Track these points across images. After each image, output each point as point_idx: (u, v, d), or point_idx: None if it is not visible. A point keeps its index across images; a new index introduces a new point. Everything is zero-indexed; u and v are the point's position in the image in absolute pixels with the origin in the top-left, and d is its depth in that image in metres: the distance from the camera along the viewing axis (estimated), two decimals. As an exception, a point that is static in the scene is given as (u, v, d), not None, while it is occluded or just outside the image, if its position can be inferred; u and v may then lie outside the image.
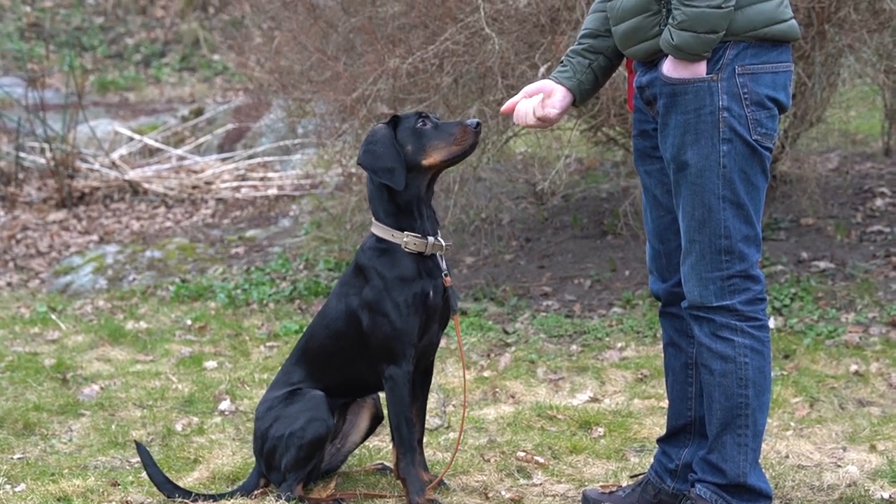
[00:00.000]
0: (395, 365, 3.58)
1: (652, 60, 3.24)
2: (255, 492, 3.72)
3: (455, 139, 3.54)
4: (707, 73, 3.13)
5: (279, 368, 3.93)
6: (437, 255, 3.63)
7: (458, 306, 3.88)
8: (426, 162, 3.56)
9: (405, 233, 3.58)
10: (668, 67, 3.16)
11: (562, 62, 3.43)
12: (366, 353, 3.64)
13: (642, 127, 3.39)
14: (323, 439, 3.64)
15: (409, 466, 3.60)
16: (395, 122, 3.62)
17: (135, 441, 3.83)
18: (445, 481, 3.79)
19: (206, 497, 3.70)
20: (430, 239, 3.60)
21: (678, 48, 3.09)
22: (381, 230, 3.62)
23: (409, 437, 3.62)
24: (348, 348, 3.67)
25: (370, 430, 3.92)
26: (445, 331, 5.64)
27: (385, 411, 3.82)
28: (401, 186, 3.54)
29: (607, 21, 3.36)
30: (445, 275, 3.63)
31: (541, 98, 3.36)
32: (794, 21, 3.18)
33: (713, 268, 3.19)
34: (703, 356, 3.26)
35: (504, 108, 3.43)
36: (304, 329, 3.89)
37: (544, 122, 3.37)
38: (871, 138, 7.95)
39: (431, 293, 3.61)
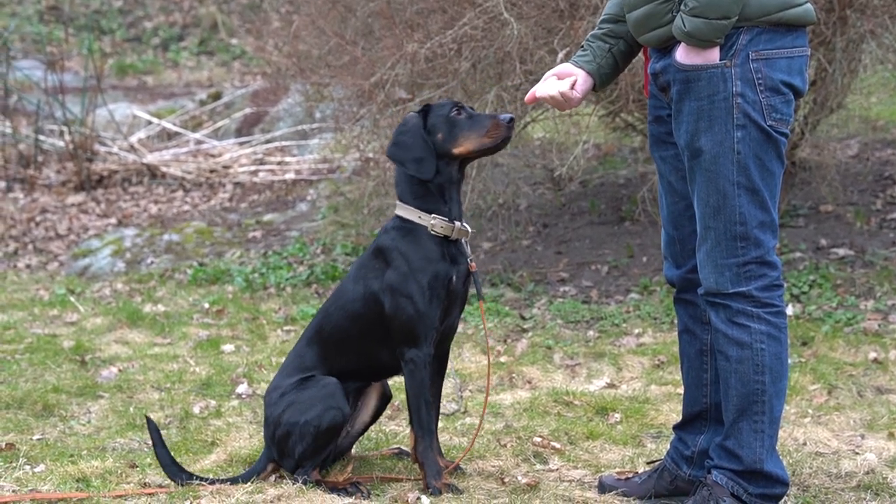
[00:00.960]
0: (416, 348, 3.58)
1: (666, 47, 3.23)
2: (263, 474, 3.73)
3: (487, 131, 3.56)
4: (720, 60, 3.11)
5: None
6: (462, 240, 3.64)
7: (482, 293, 3.88)
8: (457, 150, 3.58)
9: (432, 215, 3.59)
10: (681, 54, 3.15)
11: (582, 47, 3.44)
12: (384, 336, 3.64)
13: (657, 113, 3.38)
14: (339, 427, 3.64)
15: (427, 450, 3.61)
16: (426, 110, 3.64)
17: (146, 417, 3.83)
18: (462, 466, 3.80)
19: (220, 481, 3.71)
20: (457, 223, 3.62)
21: (690, 35, 3.08)
22: (407, 211, 3.63)
23: (428, 421, 3.62)
24: (366, 331, 3.67)
25: (379, 410, 3.91)
26: (464, 317, 5.66)
27: (397, 393, 3.82)
28: (428, 176, 3.57)
29: None
30: (470, 260, 3.64)
31: (570, 82, 3.36)
32: (808, 5, 3.16)
33: (729, 254, 3.18)
34: (719, 342, 3.25)
35: (528, 97, 3.44)
36: (317, 313, 3.89)
37: (564, 101, 3.37)
38: (891, 125, 7.90)
39: (454, 277, 3.61)
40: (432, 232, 3.59)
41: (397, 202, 3.68)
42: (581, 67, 3.38)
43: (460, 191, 3.68)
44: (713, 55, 3.11)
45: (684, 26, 3.08)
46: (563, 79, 3.39)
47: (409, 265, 3.58)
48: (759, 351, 3.20)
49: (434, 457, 3.62)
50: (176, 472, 3.72)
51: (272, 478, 3.73)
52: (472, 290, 3.73)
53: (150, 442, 4.29)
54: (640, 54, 3.49)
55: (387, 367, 3.76)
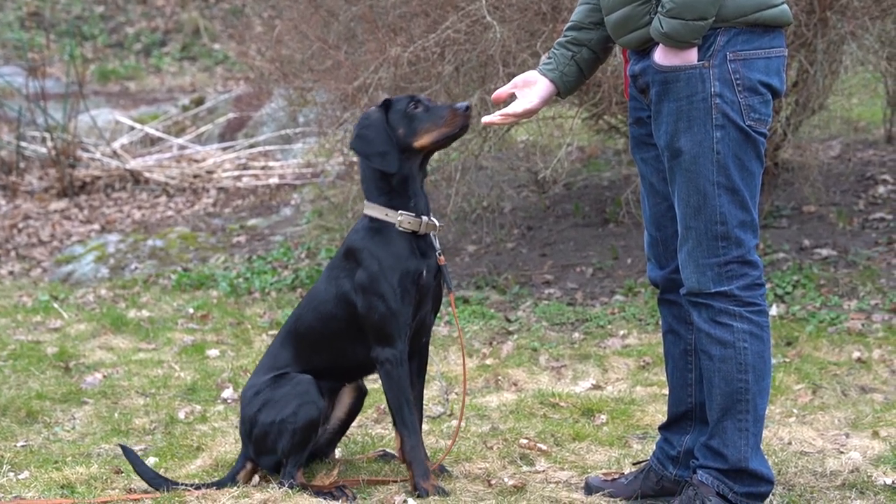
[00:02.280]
0: (391, 347, 3.59)
1: (645, 49, 3.24)
2: (242, 473, 3.73)
3: (445, 121, 3.59)
4: (698, 60, 3.12)
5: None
6: (431, 234, 3.65)
7: (454, 287, 3.89)
8: (417, 144, 3.61)
9: (399, 212, 3.61)
10: (660, 55, 3.16)
11: (548, 54, 3.47)
12: (357, 336, 3.66)
13: (637, 115, 3.40)
14: (316, 422, 3.64)
15: (415, 449, 3.61)
16: (387, 105, 3.66)
17: (121, 445, 3.82)
18: (448, 468, 3.80)
19: (204, 485, 3.70)
20: (424, 218, 3.64)
21: (668, 36, 3.09)
22: (374, 210, 3.65)
23: (411, 419, 3.63)
24: (339, 330, 3.69)
25: (355, 407, 3.89)
26: (444, 317, 5.65)
27: (381, 396, 3.81)
28: (393, 169, 3.60)
29: (592, 13, 3.39)
30: (439, 254, 3.66)
31: (508, 94, 3.43)
32: (785, 6, 3.18)
33: (710, 254, 3.19)
34: (702, 342, 3.26)
35: (495, 96, 3.47)
36: (290, 313, 3.89)
37: (527, 114, 3.43)
38: (873, 126, 7.94)
39: (424, 272, 3.63)
40: (400, 228, 3.60)
41: (365, 201, 3.70)
42: (544, 75, 3.42)
43: (424, 185, 3.71)
44: (691, 56, 3.13)
45: (661, 27, 3.10)
46: (526, 87, 3.42)
47: (379, 264, 3.59)
48: (742, 350, 3.21)
49: (422, 456, 3.62)
50: (161, 482, 3.72)
51: (255, 480, 3.72)
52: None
53: (134, 448, 4.28)
54: (620, 56, 3.52)
55: (360, 367, 3.77)
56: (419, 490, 3.55)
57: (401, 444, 3.63)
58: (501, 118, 3.43)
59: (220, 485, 3.71)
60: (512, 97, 3.48)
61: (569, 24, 3.46)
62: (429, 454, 3.84)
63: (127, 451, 3.78)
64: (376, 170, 3.63)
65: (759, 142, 3.18)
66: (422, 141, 3.60)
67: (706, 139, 3.14)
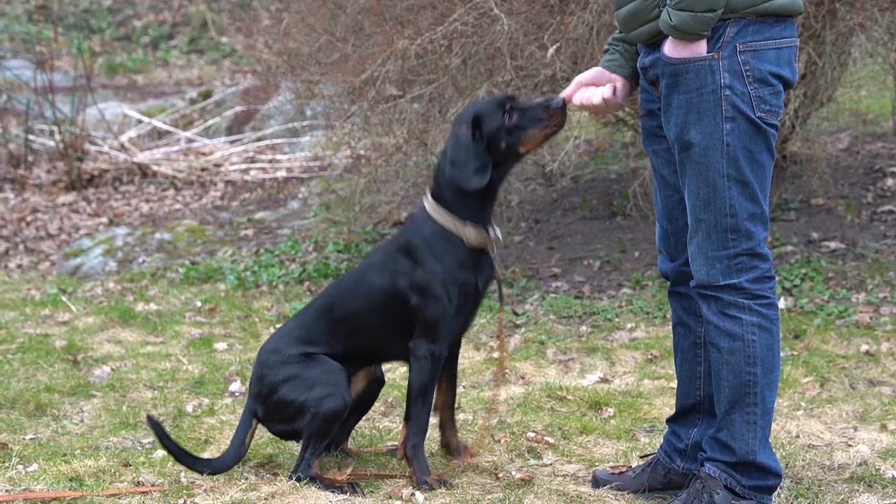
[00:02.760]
0: (434, 344, 3.60)
1: (655, 42, 3.23)
2: (249, 431, 3.76)
3: (547, 123, 3.52)
4: (708, 52, 3.11)
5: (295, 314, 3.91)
6: (492, 248, 3.66)
7: (504, 299, 3.92)
8: (523, 149, 3.57)
9: (467, 223, 3.57)
10: (669, 48, 3.15)
11: (607, 50, 3.43)
12: (400, 329, 3.64)
13: (648, 107, 3.39)
14: (341, 413, 3.63)
15: (417, 447, 3.62)
16: (476, 122, 3.54)
17: (147, 415, 3.83)
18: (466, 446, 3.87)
19: (221, 461, 3.74)
20: (492, 233, 3.62)
21: (676, 28, 3.08)
22: (442, 216, 3.59)
23: (424, 419, 3.64)
24: (382, 322, 3.67)
25: (368, 394, 3.89)
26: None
27: (389, 390, 3.84)
28: (483, 185, 3.51)
29: None
30: (496, 266, 3.67)
31: (611, 88, 3.38)
32: None
33: (720, 246, 3.19)
34: (711, 334, 3.26)
35: (566, 98, 3.43)
36: (326, 289, 3.88)
37: (606, 107, 3.40)
38: (881, 118, 7.92)
39: (480, 285, 3.64)
40: (467, 245, 3.59)
41: (430, 197, 3.62)
42: (614, 72, 3.39)
43: (497, 195, 3.67)
44: (700, 48, 3.12)
45: (670, 20, 3.09)
46: (601, 85, 3.39)
47: (443, 268, 3.57)
48: (751, 342, 3.21)
49: (422, 454, 3.63)
50: (191, 461, 3.74)
51: (266, 475, 3.73)
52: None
53: (144, 440, 4.30)
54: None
55: (392, 356, 3.78)
56: (423, 484, 3.56)
57: (403, 440, 3.64)
58: (589, 104, 3.38)
59: (233, 451, 3.74)
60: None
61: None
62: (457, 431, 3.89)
63: (153, 424, 3.77)
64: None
65: (769, 134, 3.17)
66: (526, 147, 3.56)
67: (716, 131, 3.13)
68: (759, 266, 3.20)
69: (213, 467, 3.75)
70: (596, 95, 3.39)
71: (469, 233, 3.58)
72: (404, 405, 4.50)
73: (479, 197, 3.58)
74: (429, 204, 3.63)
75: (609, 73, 3.40)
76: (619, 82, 3.41)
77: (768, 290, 3.22)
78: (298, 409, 3.63)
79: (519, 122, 3.52)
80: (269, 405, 3.70)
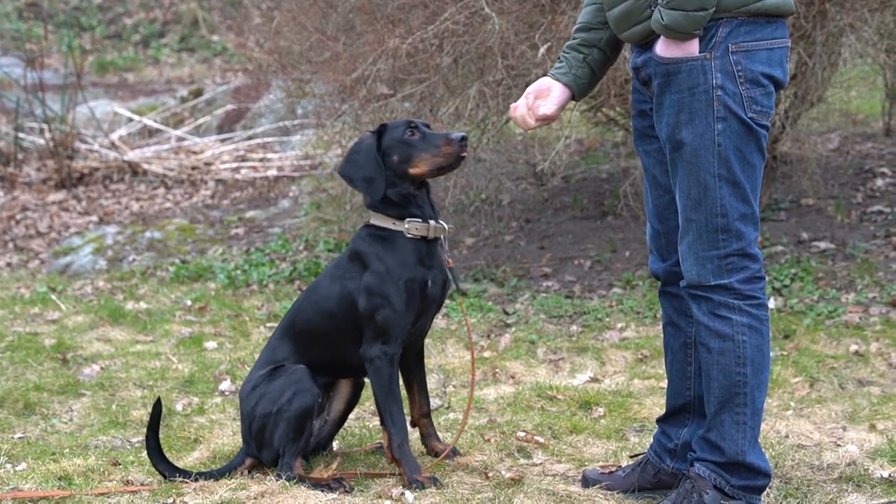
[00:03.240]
0: (385, 345, 3.62)
1: (647, 42, 3.23)
2: (240, 468, 3.74)
3: (440, 151, 3.60)
4: (700, 52, 3.12)
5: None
6: (440, 237, 3.67)
7: (461, 287, 3.91)
8: (413, 171, 3.63)
9: (406, 220, 3.62)
10: (661, 47, 3.15)
11: (559, 58, 3.46)
12: (356, 337, 3.68)
13: (640, 107, 3.39)
14: (310, 409, 3.65)
15: (402, 446, 3.62)
16: (381, 131, 3.67)
17: (157, 399, 3.81)
18: (457, 450, 3.86)
19: (200, 475, 3.71)
20: (432, 222, 3.65)
21: (668, 28, 3.08)
22: (380, 219, 3.67)
23: (399, 417, 3.64)
24: (338, 328, 3.71)
25: (353, 398, 3.92)
26: (447, 312, 5.66)
27: (364, 383, 3.86)
28: (377, 197, 3.63)
29: (600, 12, 3.38)
30: (447, 257, 3.68)
31: (532, 101, 3.41)
32: None
33: (710, 246, 3.19)
34: (701, 335, 3.26)
35: (512, 110, 3.47)
36: (289, 308, 3.92)
37: (545, 121, 3.43)
38: (871, 118, 7.94)
39: (430, 282, 3.65)
40: (409, 235, 3.61)
41: (370, 211, 3.71)
42: (558, 80, 3.42)
43: (430, 195, 3.72)
44: (692, 48, 3.12)
45: (662, 19, 3.09)
46: (541, 95, 3.41)
47: (386, 268, 3.62)
48: (741, 343, 3.21)
49: (409, 452, 3.63)
50: (159, 460, 3.72)
51: (250, 473, 3.72)
52: (454, 288, 3.75)
53: (133, 439, 4.29)
54: (625, 51, 3.50)
55: (357, 366, 3.78)
56: (414, 483, 3.56)
57: (388, 443, 3.64)
58: (524, 124, 3.42)
59: (217, 474, 3.72)
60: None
61: (577, 26, 3.45)
62: (440, 437, 3.90)
63: (155, 410, 3.75)
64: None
65: (760, 134, 3.18)
66: (417, 169, 3.62)
67: (707, 131, 3.14)
68: (750, 266, 3.21)
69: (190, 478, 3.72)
70: (527, 120, 3.41)
71: (408, 225, 3.62)
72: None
73: (402, 201, 3.64)
74: (371, 216, 3.71)
75: (550, 81, 3.43)
76: (558, 89, 3.41)
77: (758, 291, 3.23)
78: (273, 422, 3.64)
79: (416, 142, 3.62)
80: (255, 436, 3.72)
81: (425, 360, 3.93)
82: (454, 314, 5.85)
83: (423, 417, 3.85)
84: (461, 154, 3.60)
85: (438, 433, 3.98)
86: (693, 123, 3.14)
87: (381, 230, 3.66)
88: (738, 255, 3.19)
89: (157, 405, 3.77)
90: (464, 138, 3.60)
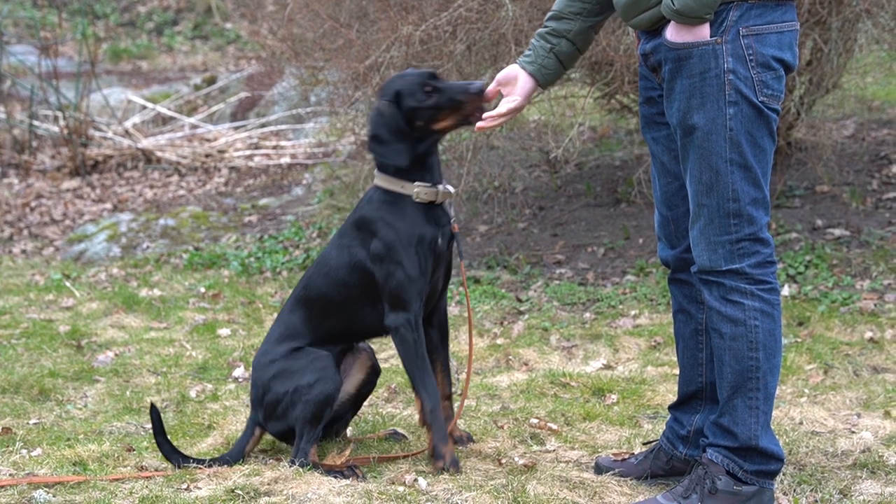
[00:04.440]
0: (405, 311, 3.62)
1: (656, 28, 3.22)
2: (251, 440, 3.77)
3: (463, 105, 3.58)
4: (711, 36, 3.10)
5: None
6: (446, 202, 3.67)
7: (467, 260, 3.92)
8: (437, 127, 3.62)
9: (415, 183, 3.62)
10: (672, 32, 3.13)
11: (529, 46, 3.45)
12: (370, 300, 3.68)
13: (648, 94, 3.38)
14: (332, 397, 3.66)
15: (434, 411, 3.62)
16: (398, 97, 3.62)
17: (151, 404, 3.84)
18: (472, 436, 3.87)
19: (214, 461, 3.72)
20: (440, 187, 3.66)
21: (679, 13, 3.07)
22: (388, 182, 3.66)
23: (430, 381, 3.64)
24: (351, 297, 3.72)
25: (367, 384, 3.91)
26: (455, 297, 5.64)
27: (392, 376, 3.83)
28: (405, 164, 3.61)
29: (573, 2, 3.37)
30: (453, 222, 3.69)
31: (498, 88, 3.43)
32: None
33: (722, 231, 3.18)
34: (713, 320, 3.25)
35: (486, 94, 3.48)
36: (299, 280, 3.92)
37: (513, 112, 3.42)
38: (887, 105, 7.89)
39: (440, 239, 3.66)
40: (417, 199, 3.62)
41: (376, 172, 3.71)
42: (524, 69, 3.42)
43: (437, 155, 3.71)
44: (704, 32, 3.10)
45: (673, 4, 3.07)
46: (508, 83, 3.42)
47: (395, 233, 3.62)
48: (753, 328, 3.20)
49: (442, 419, 3.63)
50: (175, 457, 3.74)
51: (269, 460, 3.73)
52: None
53: (147, 426, 4.30)
54: (633, 35, 3.48)
55: (370, 329, 3.79)
56: (437, 454, 3.58)
57: (420, 408, 3.65)
58: (491, 121, 3.43)
59: (230, 457, 3.74)
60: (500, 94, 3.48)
61: (549, 14, 3.44)
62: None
63: (154, 414, 3.77)
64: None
65: (771, 118, 3.16)
66: (440, 125, 3.61)
67: (719, 116, 3.12)
68: (761, 251, 3.20)
69: (207, 464, 3.73)
70: (495, 120, 3.41)
71: (417, 189, 3.62)
72: (407, 392, 4.52)
73: (417, 161, 3.63)
74: (377, 175, 3.70)
75: (516, 69, 3.42)
76: (522, 78, 3.41)
77: (770, 276, 3.22)
78: (290, 400, 3.65)
79: (437, 101, 3.59)
80: (266, 406, 3.72)
81: (448, 333, 3.90)
82: (462, 299, 5.84)
83: (444, 399, 3.82)
84: (482, 105, 3.56)
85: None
86: (705, 108, 3.13)
87: (388, 193, 3.65)
88: (750, 240, 3.18)
89: (154, 411, 3.78)
90: (482, 87, 3.54)
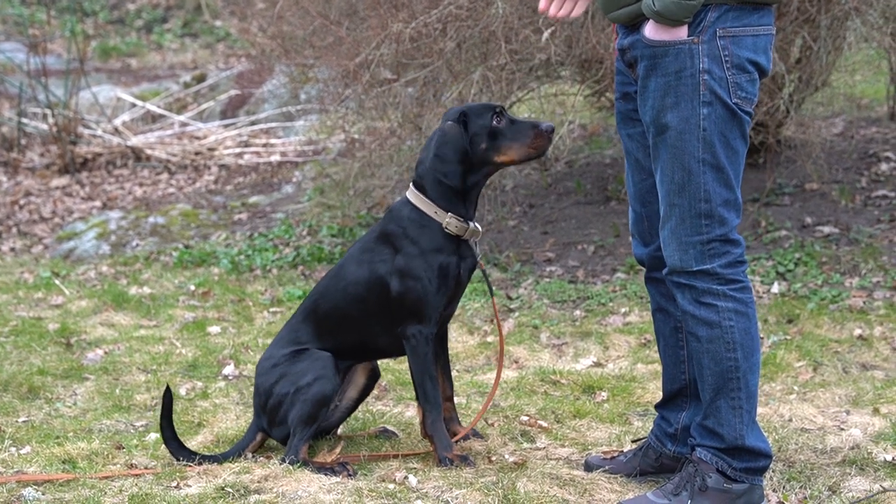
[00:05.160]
0: (421, 324, 3.63)
1: (634, 24, 3.22)
2: (252, 444, 3.77)
3: (530, 141, 3.58)
4: (688, 36, 3.10)
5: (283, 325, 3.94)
6: (472, 240, 3.67)
7: (492, 289, 3.94)
8: (500, 160, 3.61)
9: (448, 213, 3.61)
10: (650, 30, 3.14)
11: None
12: (384, 319, 3.68)
13: (624, 90, 3.38)
14: (329, 398, 3.67)
15: (435, 423, 3.65)
16: (465, 118, 3.61)
17: (167, 386, 3.81)
18: (479, 433, 3.88)
19: (211, 458, 3.71)
20: (471, 224, 3.66)
21: (660, 14, 3.07)
22: (423, 203, 3.64)
23: (433, 394, 3.66)
24: (366, 312, 3.70)
25: (367, 388, 3.94)
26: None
27: (384, 373, 3.84)
28: (455, 184, 3.58)
29: None
30: (479, 259, 3.71)
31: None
32: None
33: (693, 232, 3.18)
34: (688, 324, 3.25)
35: (541, 7, 3.32)
36: (311, 289, 3.91)
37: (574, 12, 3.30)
38: (876, 103, 7.92)
39: (462, 271, 3.66)
40: (446, 230, 3.61)
41: (413, 187, 3.67)
42: None
43: (480, 192, 3.71)
44: (681, 32, 3.11)
45: (654, 5, 3.07)
46: None
47: (420, 250, 3.61)
48: (729, 328, 3.20)
49: (443, 429, 3.66)
50: (176, 447, 3.73)
51: (259, 458, 3.73)
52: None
53: (136, 423, 4.30)
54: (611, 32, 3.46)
55: (380, 350, 3.80)
56: (444, 461, 3.59)
57: (422, 419, 3.67)
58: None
59: (227, 456, 3.73)
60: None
61: None
62: (460, 420, 3.92)
63: (166, 399, 3.74)
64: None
65: (744, 120, 3.17)
66: (504, 158, 3.60)
67: (693, 115, 3.12)
68: (732, 251, 3.20)
69: (198, 461, 3.72)
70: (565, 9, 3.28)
71: (449, 220, 3.61)
72: (397, 389, 4.52)
73: (459, 192, 3.62)
74: (411, 193, 3.68)
75: None
76: None
77: (741, 274, 3.22)
78: (290, 402, 3.65)
79: (505, 130, 3.58)
80: (269, 412, 3.72)
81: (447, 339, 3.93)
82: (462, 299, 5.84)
83: (446, 401, 3.84)
84: (548, 145, 3.58)
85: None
86: (679, 107, 3.13)
87: (419, 213, 3.63)
88: (721, 241, 3.19)
89: (167, 394, 3.76)
90: (552, 129, 3.55)
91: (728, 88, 3.11)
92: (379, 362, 4.00)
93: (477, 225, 3.68)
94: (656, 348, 4.95)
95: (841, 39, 5.97)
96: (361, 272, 3.70)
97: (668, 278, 3.26)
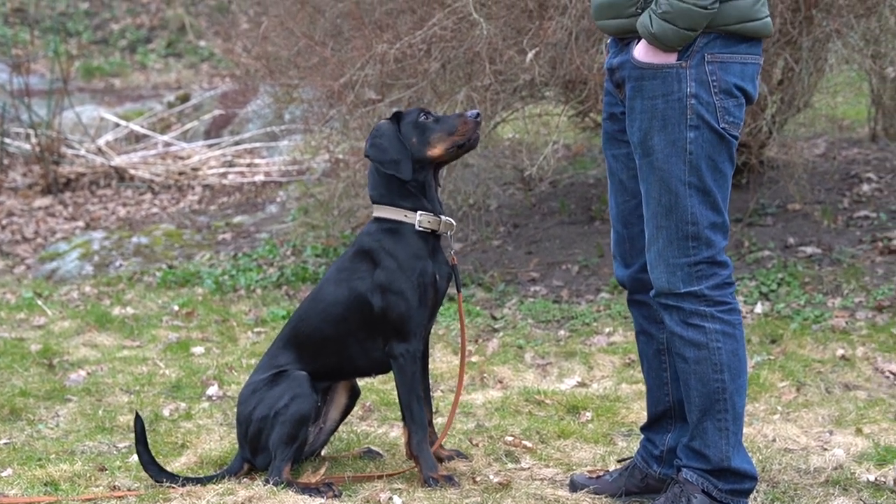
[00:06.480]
0: (406, 342, 3.63)
1: (623, 39, 3.24)
2: (238, 475, 3.73)
3: (456, 130, 3.64)
4: (677, 60, 3.12)
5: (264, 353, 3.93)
6: (447, 233, 3.71)
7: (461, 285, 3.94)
8: (431, 153, 3.66)
9: (419, 212, 3.63)
10: (640, 52, 3.16)
11: None
12: (367, 338, 3.68)
13: (611, 110, 3.39)
14: (307, 416, 3.65)
15: (421, 444, 3.64)
16: (397, 117, 3.72)
17: (136, 413, 3.80)
18: (463, 453, 3.89)
19: (193, 480, 3.69)
20: (443, 217, 3.69)
21: (655, 37, 3.09)
22: (389, 212, 3.68)
23: (419, 415, 3.67)
24: (347, 333, 3.70)
25: (349, 406, 3.94)
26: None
27: (368, 394, 3.83)
28: (408, 176, 3.64)
29: None
30: (452, 253, 3.72)
31: None
32: (768, 20, 3.19)
33: (681, 254, 3.19)
34: (675, 345, 3.26)
35: None
36: (291, 314, 3.90)
37: None
38: (857, 124, 7.97)
39: (438, 276, 3.68)
40: (419, 228, 3.63)
41: (375, 206, 3.72)
42: None
43: (439, 192, 3.76)
44: (670, 56, 3.13)
45: (651, 27, 3.09)
46: None
47: (397, 263, 3.63)
48: (716, 350, 3.21)
49: (428, 450, 3.65)
50: (156, 471, 3.71)
51: (243, 479, 3.71)
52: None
53: (119, 444, 4.27)
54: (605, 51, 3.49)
55: (361, 369, 3.79)
56: (429, 482, 3.58)
57: (408, 439, 3.66)
58: None
59: (211, 480, 3.70)
60: None
61: None
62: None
63: (138, 425, 3.73)
64: (392, 178, 3.65)
65: (732, 144, 3.19)
66: (434, 151, 3.66)
67: (679, 139, 3.14)
68: (720, 273, 3.21)
69: (181, 483, 3.70)
70: None
71: (420, 217, 3.65)
72: (382, 409, 4.51)
73: (417, 188, 3.67)
74: (376, 210, 3.73)
75: None
76: None
77: (729, 296, 3.23)
78: (269, 426, 3.63)
79: (431, 125, 3.67)
80: (251, 441, 3.71)
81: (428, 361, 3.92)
82: (442, 319, 5.84)
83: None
84: (476, 132, 3.64)
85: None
86: (665, 130, 3.15)
87: (389, 222, 3.66)
88: (708, 263, 3.20)
89: (138, 421, 3.75)
90: (478, 115, 3.64)
91: (716, 113, 3.13)
92: (363, 382, 4.00)
93: (449, 218, 3.72)
94: (640, 368, 4.98)
95: (822, 61, 6.02)
96: (340, 292, 3.70)
97: (656, 300, 3.26)
